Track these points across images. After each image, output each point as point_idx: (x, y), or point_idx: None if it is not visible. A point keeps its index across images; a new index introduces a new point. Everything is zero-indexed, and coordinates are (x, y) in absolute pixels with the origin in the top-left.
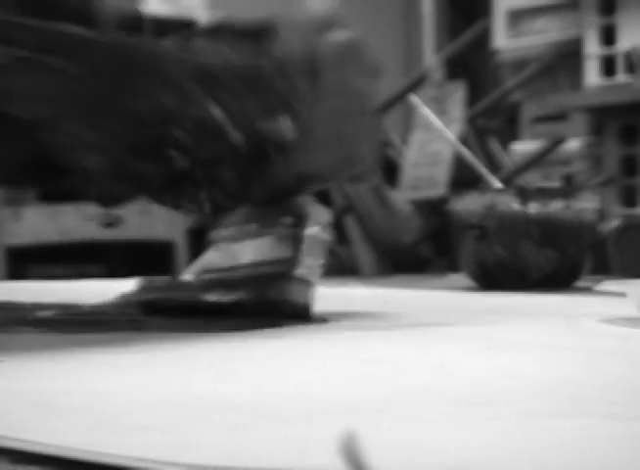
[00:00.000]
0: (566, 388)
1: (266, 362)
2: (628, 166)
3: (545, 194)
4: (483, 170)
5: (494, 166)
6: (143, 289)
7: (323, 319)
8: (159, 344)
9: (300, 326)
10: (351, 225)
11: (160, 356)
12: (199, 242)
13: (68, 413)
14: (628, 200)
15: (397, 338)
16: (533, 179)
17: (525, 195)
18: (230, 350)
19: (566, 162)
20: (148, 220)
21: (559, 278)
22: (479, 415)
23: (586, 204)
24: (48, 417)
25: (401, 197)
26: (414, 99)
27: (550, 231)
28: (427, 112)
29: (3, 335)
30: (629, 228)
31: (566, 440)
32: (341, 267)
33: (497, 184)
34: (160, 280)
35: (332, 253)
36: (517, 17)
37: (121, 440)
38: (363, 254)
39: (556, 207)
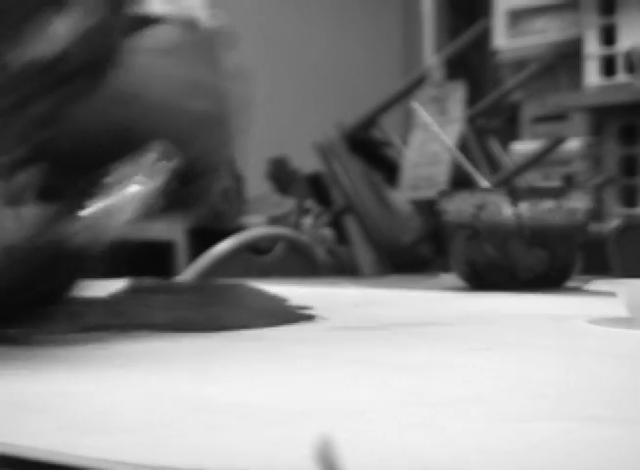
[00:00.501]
0: (550, 389)
1: (246, 363)
2: (628, 166)
3: (536, 194)
4: (473, 170)
5: (494, 166)
6: (131, 289)
7: (310, 318)
8: (139, 343)
9: (287, 326)
10: (351, 225)
11: (140, 356)
12: (199, 242)
13: (39, 413)
14: (628, 200)
15: (383, 338)
16: (533, 179)
17: (515, 195)
18: (211, 349)
19: (566, 162)
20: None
21: (549, 278)
22: (459, 417)
23: (577, 204)
24: (19, 417)
25: (401, 197)
26: (414, 102)
27: (540, 231)
28: (426, 112)
29: None
30: (629, 228)
31: (547, 442)
32: (341, 267)
33: (486, 184)
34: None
35: (332, 253)
36: (517, 17)
37: (93, 441)
38: (363, 254)
39: (546, 207)
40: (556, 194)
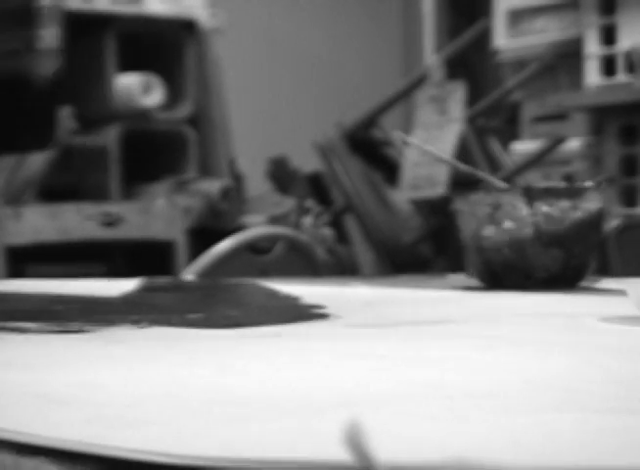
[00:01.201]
0: (562, 382)
1: (266, 357)
2: (628, 166)
3: (551, 194)
4: (485, 175)
5: (494, 166)
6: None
7: (324, 316)
8: (159, 339)
9: (302, 324)
10: (351, 225)
11: (161, 351)
12: (199, 242)
13: (67, 406)
14: (628, 200)
15: (398, 335)
16: (533, 179)
17: (530, 195)
18: (230, 345)
19: (566, 161)
20: (148, 220)
21: (565, 278)
22: (476, 408)
23: (592, 203)
24: (48, 409)
25: (401, 197)
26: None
27: (556, 231)
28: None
29: (6, 330)
30: (629, 228)
31: (560, 432)
32: (341, 267)
33: (501, 184)
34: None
35: (332, 252)
36: (517, 16)
37: (120, 432)
38: (363, 253)
39: (562, 206)
40: (571, 193)
